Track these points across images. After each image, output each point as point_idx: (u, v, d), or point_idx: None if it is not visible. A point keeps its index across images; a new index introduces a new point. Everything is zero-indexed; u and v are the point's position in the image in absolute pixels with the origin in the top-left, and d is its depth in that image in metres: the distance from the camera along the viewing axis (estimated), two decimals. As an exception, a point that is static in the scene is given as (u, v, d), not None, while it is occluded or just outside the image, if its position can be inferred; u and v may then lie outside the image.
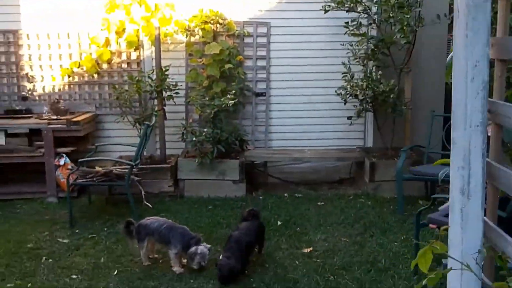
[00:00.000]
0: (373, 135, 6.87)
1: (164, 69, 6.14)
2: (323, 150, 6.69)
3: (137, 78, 6.15)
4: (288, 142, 6.94)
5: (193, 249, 4.07)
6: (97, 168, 5.47)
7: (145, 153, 6.58)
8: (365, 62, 6.24)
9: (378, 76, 5.87)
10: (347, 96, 6.12)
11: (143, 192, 5.44)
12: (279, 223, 5.20)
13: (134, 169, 5.43)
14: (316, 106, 6.89)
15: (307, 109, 6.89)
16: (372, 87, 5.81)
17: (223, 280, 3.91)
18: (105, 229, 5.19)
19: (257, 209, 4.62)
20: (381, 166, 6.10)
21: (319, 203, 5.88)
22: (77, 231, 5.16)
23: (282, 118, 6.90)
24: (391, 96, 5.74)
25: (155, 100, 6.37)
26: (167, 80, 6.16)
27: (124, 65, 6.67)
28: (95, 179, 5.33)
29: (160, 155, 6.41)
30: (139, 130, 6.31)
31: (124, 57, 6.67)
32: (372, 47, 6.07)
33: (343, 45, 6.33)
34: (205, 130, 5.90)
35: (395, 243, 4.71)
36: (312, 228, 5.09)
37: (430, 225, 3.93)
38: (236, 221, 5.21)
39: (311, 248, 4.59)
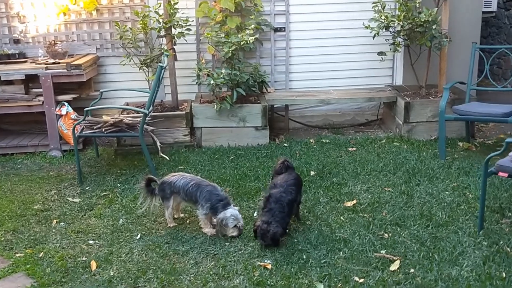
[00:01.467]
0: (403, 72, 6.26)
1: (172, 2, 5.41)
2: (351, 90, 6.09)
3: (143, 14, 5.43)
4: (310, 83, 6.31)
5: (221, 214, 3.53)
6: (105, 117, 4.87)
7: (153, 99, 5.99)
8: (399, -12, 5.52)
9: (418, 5, 5.17)
10: (380, 28, 5.44)
11: (158, 143, 4.88)
12: (312, 173, 4.69)
13: (147, 118, 4.84)
14: (340, 41, 6.22)
15: (330, 45, 6.22)
16: (411, 17, 5.13)
17: (266, 247, 3.42)
18: (119, 185, 4.66)
19: (289, 160, 4.04)
20: (417, 106, 5.53)
21: (350, 149, 5.35)
22: (87, 188, 4.64)
23: (303, 56, 6.24)
24: (434, 27, 5.07)
25: (163, 39, 5.67)
26: (177, 15, 5.44)
27: (126, 0, 5.92)
28: (103, 130, 4.74)
29: (172, 101, 5.79)
30: (147, 73, 5.68)
31: (125, -10, 5.91)
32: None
33: (373, -30, 5.59)
34: (223, 71, 5.25)
35: (446, 192, 4.22)
36: (350, 177, 4.58)
37: (500, 173, 3.42)
38: (264, 172, 4.71)
39: (354, 201, 4.10)
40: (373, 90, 6.04)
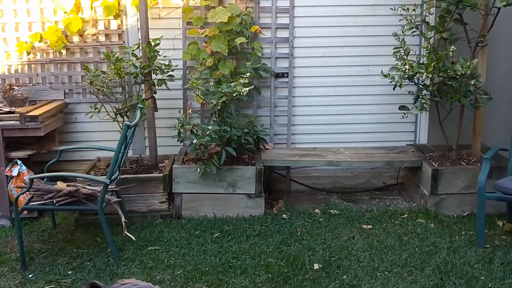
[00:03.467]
0: (429, 129, 5.27)
1: (153, 44, 4.51)
2: (365, 150, 5.09)
3: (116, 56, 4.53)
4: (316, 137, 5.33)
5: None
6: (60, 185, 3.92)
7: (131, 153, 5.06)
8: (427, 32, 4.59)
9: (451, 53, 4.21)
10: (403, 79, 4.49)
11: (123, 219, 3.89)
12: (316, 266, 3.66)
13: (111, 186, 3.89)
14: (353, 90, 5.26)
15: (340, 94, 5.26)
16: (443, 69, 4.16)
17: None
18: (70, 272, 3.67)
19: None
20: (447, 174, 4.52)
21: (365, 226, 4.33)
22: (30, 276, 3.65)
23: (308, 106, 5.28)
24: (472, 83, 4.10)
25: (141, 86, 4.77)
26: (158, 58, 4.54)
27: (102, 38, 5.02)
28: (55, 201, 3.78)
29: (150, 159, 4.84)
30: (121, 125, 4.74)
31: (101, 26, 5.01)
32: (443, 12, 4.37)
33: (394, 9, 4.66)
34: (210, 127, 4.30)
35: (492, 305, 3.18)
36: (366, 275, 3.54)
37: None
38: (255, 262, 3.70)
39: (371, 318, 3.07)
40: (392, 151, 5.05)
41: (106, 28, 5.00)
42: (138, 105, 4.15)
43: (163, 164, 4.85)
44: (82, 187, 3.86)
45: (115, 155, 3.72)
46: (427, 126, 5.27)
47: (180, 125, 4.39)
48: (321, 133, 5.33)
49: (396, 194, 5.17)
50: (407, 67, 4.34)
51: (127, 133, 3.77)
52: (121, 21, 4.98)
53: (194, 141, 4.23)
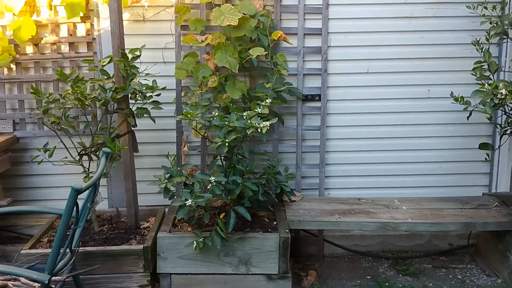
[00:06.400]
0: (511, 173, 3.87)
1: (130, 56, 3.14)
2: (429, 204, 3.63)
3: (75, 76, 3.15)
4: (358, 181, 3.93)
5: None
6: (-20, 274, 2.54)
7: (106, 204, 3.72)
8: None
9: None
10: (493, 104, 3.10)
11: (75, 332, 2.50)
12: None
13: (55, 278, 2.50)
14: (408, 118, 3.87)
15: (391, 124, 3.88)
16: None
17: None
18: None
19: None
20: (556, 244, 3.11)
21: (440, 326, 2.93)
22: None
23: (347, 140, 3.89)
24: None
25: (114, 116, 3.39)
26: (136, 77, 3.16)
27: (65, 48, 3.67)
28: (-33, 304, 2.41)
29: (129, 217, 3.45)
30: (87, 169, 3.37)
31: (64, 32, 3.65)
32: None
33: (472, 7, 3.31)
34: (212, 179, 2.90)
35: None
36: None
37: None
38: None
39: None
40: (466, 204, 3.62)
41: (71, 35, 3.63)
42: (103, 148, 2.75)
43: (147, 225, 3.46)
44: (13, 281, 2.48)
45: (58, 233, 2.33)
46: (510, 168, 3.86)
47: (167, 176, 2.98)
48: (365, 176, 3.93)
49: (468, 261, 3.77)
50: (503, 91, 2.93)
51: (75, 201, 2.38)
52: (91, 24, 3.62)
53: (188, 202, 2.82)
